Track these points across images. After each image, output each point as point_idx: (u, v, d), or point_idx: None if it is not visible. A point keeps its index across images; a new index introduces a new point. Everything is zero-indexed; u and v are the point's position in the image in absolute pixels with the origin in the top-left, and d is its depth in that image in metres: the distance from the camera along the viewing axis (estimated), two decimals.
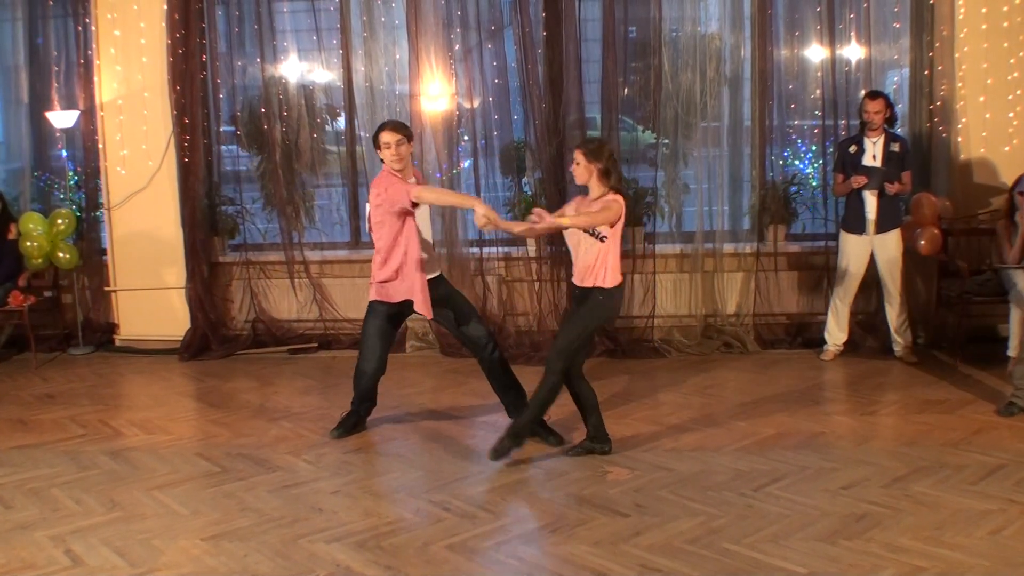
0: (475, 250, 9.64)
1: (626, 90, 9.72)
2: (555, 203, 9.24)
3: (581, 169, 6.41)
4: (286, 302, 10.08)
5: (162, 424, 7.75)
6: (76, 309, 10.36)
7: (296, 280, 9.97)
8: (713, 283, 9.48)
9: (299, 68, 10.05)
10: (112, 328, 10.38)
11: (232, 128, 10.24)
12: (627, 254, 9.34)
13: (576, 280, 6.50)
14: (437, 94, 9.44)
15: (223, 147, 10.34)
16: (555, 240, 9.36)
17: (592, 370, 8.74)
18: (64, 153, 10.39)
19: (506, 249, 9.71)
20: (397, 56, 9.67)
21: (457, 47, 9.52)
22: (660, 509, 5.74)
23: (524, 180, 9.67)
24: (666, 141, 9.42)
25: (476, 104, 9.66)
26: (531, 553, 5.27)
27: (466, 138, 9.70)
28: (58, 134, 10.25)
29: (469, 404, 8.03)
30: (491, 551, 5.31)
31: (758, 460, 6.46)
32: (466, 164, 9.75)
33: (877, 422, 7.33)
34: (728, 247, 9.51)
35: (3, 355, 10.09)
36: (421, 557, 5.29)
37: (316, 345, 9.90)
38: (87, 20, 9.99)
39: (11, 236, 9.77)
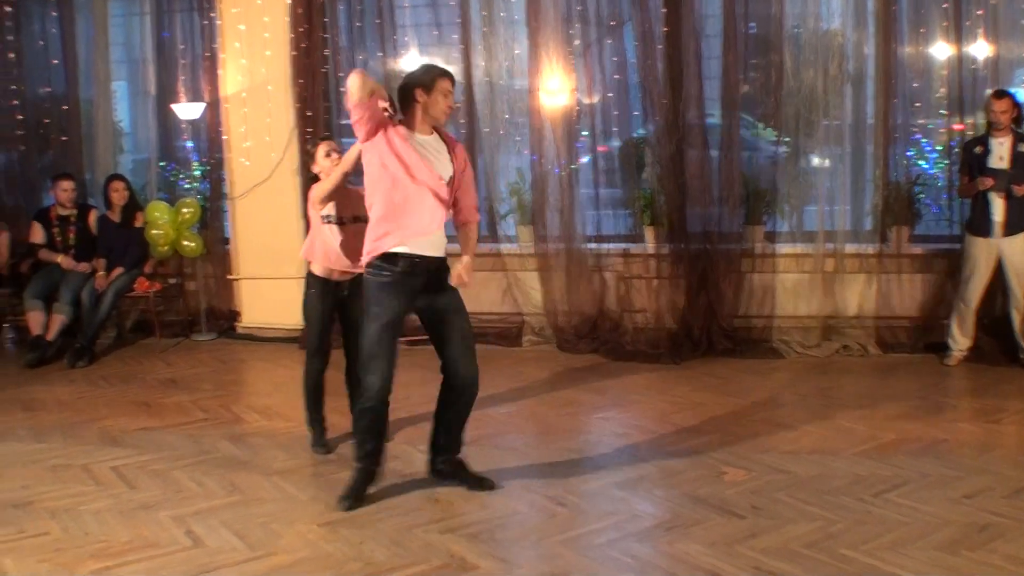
0: (593, 246, 9.62)
1: (746, 87, 9.62)
2: (674, 200, 9.21)
3: None
4: None
5: (282, 411, 7.88)
6: (199, 296, 10.60)
7: None
8: (834, 284, 9.29)
9: (419, 62, 10.09)
10: (234, 316, 10.62)
11: None
12: (747, 253, 9.30)
13: None
14: (556, 89, 9.44)
15: (344, 140, 10.46)
16: (675, 237, 9.30)
17: (708, 369, 8.74)
18: (189, 144, 10.66)
19: (624, 245, 9.67)
20: (516, 51, 9.71)
21: (577, 42, 9.51)
22: (776, 512, 5.66)
23: (643, 177, 9.61)
24: (787, 139, 9.29)
25: (595, 100, 9.64)
26: (645, 551, 5.23)
27: (585, 133, 9.68)
28: (183, 125, 10.51)
29: (584, 399, 7.99)
30: (605, 547, 5.29)
31: (878, 465, 6.32)
32: (585, 160, 9.73)
33: (1001, 430, 7.11)
34: (850, 247, 9.28)
35: (129, 340, 10.39)
36: (535, 551, 5.29)
37: None
38: (212, 15, 10.25)
39: (138, 224, 10.05)
